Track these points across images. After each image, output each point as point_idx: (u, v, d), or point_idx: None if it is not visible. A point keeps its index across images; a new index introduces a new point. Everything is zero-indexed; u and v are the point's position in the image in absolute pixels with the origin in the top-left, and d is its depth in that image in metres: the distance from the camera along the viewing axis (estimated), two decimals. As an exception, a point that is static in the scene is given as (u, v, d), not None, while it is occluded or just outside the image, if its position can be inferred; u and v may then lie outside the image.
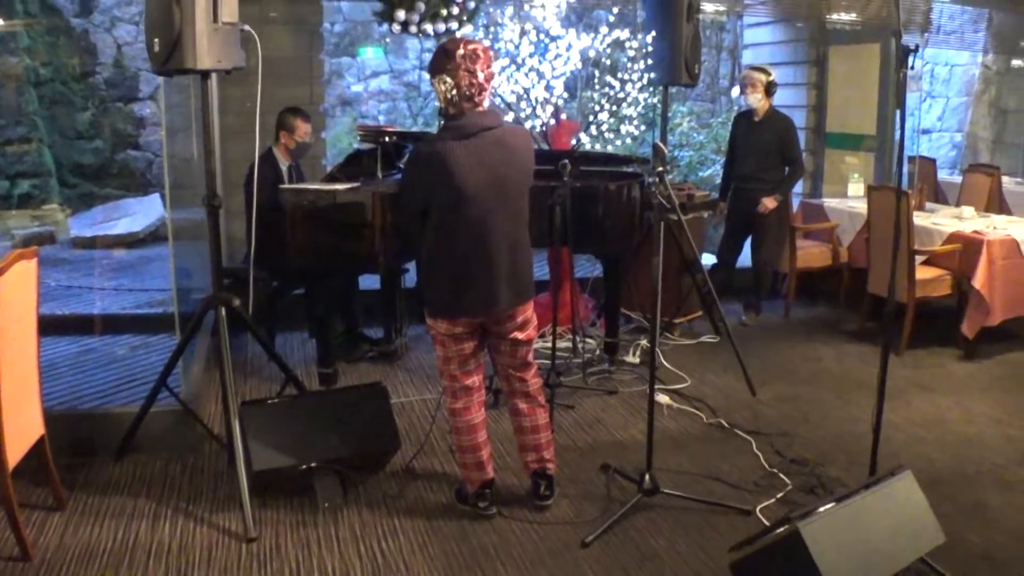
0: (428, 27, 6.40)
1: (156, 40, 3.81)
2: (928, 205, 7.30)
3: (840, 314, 7.03)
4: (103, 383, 5.45)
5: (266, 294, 5.81)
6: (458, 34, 6.47)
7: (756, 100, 6.61)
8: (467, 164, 3.42)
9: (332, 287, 5.36)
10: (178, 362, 4.42)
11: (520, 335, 3.69)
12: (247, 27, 4.05)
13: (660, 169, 3.64)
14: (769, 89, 6.60)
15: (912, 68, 3.67)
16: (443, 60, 3.49)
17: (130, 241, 10.15)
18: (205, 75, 3.97)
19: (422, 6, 6.32)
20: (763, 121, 6.66)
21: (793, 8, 8.17)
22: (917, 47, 3.67)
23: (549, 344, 5.20)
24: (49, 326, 6.93)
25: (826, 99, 8.85)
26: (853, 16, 8.21)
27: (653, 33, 6.06)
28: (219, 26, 3.80)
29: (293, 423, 3.95)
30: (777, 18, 8.60)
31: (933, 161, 9.08)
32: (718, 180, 10.27)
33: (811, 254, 7.12)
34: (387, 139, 5.09)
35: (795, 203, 7.71)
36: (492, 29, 6.09)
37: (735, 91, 8.04)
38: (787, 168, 6.69)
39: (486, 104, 3.59)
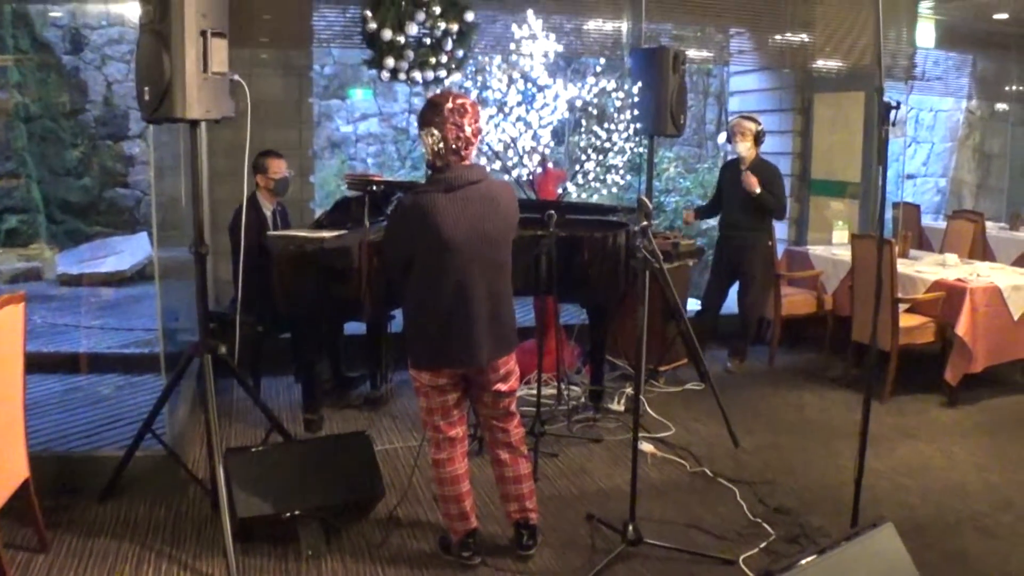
0: (416, 75, 6.48)
1: (146, 88, 3.86)
2: (912, 252, 7.38)
3: (825, 361, 7.07)
4: (88, 423, 5.45)
5: (252, 338, 5.84)
6: (446, 82, 6.54)
7: (745, 148, 6.69)
8: (451, 217, 3.46)
9: (318, 333, 5.37)
10: (163, 407, 4.43)
11: (503, 387, 3.71)
12: (236, 76, 4.11)
13: (645, 223, 3.69)
14: (758, 138, 6.70)
15: (894, 125, 3.74)
16: (431, 113, 3.54)
17: (117, 279, 10.16)
18: (194, 124, 4.00)
19: (411, 54, 6.40)
20: (750, 169, 6.73)
21: (778, 57, 8.28)
22: (899, 103, 3.74)
23: (534, 391, 5.20)
24: (35, 364, 6.97)
25: (811, 146, 8.94)
26: (838, 64, 8.33)
27: (639, 84, 6.12)
28: (209, 76, 3.85)
29: (277, 471, 3.95)
30: (763, 66, 8.70)
31: (917, 207, 9.21)
32: (704, 226, 10.39)
33: (796, 301, 7.17)
34: (374, 187, 5.12)
35: (780, 250, 7.78)
36: (480, 78, 6.14)
37: (721, 137, 8.12)
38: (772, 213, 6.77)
39: (472, 158, 3.64)
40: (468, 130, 3.53)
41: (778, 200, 6.75)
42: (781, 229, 9.03)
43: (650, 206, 4.05)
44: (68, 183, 11.59)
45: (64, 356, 6.95)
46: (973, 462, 5.14)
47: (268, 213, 5.98)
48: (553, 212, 4.88)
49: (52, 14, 11.03)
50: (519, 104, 6.02)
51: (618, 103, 6.12)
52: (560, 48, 6.23)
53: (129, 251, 10.93)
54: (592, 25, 7.56)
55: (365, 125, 12.75)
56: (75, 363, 6.82)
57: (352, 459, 4.09)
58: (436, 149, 3.53)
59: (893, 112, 3.65)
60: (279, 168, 5.90)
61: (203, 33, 3.82)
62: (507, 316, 3.69)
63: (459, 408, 3.75)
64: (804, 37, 8.09)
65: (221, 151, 6.67)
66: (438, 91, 6.37)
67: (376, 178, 5.27)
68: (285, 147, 6.84)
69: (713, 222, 7.30)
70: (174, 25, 3.75)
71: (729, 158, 7.22)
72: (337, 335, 6.06)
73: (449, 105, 3.52)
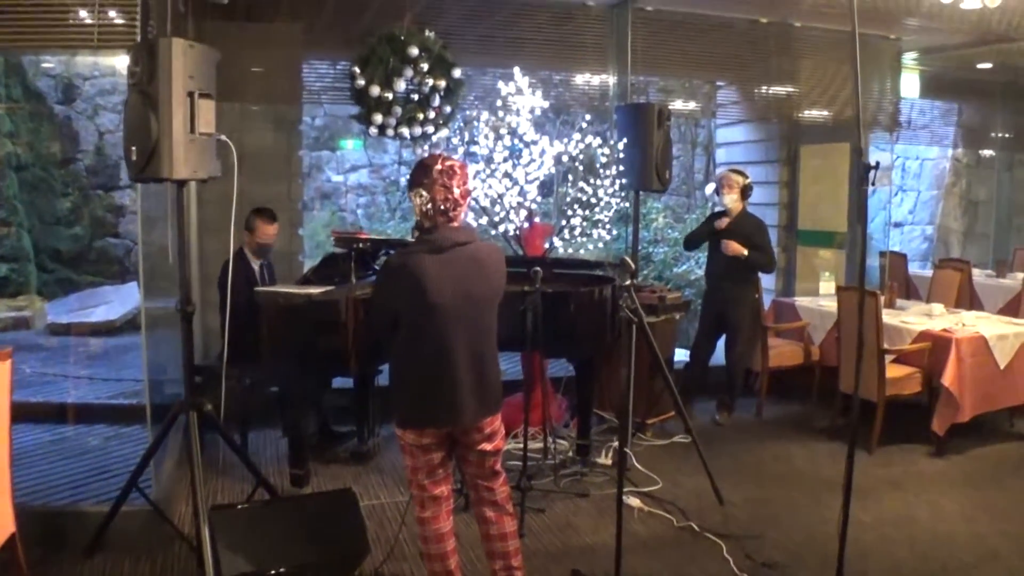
0: (404, 130, 6.53)
1: (134, 148, 3.90)
2: (899, 302, 7.41)
3: (812, 412, 7.07)
4: (76, 474, 5.47)
5: (240, 392, 5.84)
6: (434, 138, 6.60)
7: (731, 200, 6.77)
8: (437, 278, 3.48)
9: (305, 388, 5.38)
10: (149, 463, 4.42)
11: (488, 446, 3.70)
12: (223, 137, 4.15)
13: (628, 283, 3.72)
14: (745, 192, 6.77)
15: (872, 185, 3.79)
16: (420, 174, 3.58)
17: (106, 329, 10.15)
18: (181, 183, 4.04)
19: (399, 110, 6.46)
20: (735, 222, 6.79)
21: (764, 109, 8.38)
22: (878, 164, 3.79)
23: (521, 446, 5.20)
24: (23, 414, 6.97)
25: (798, 197, 9.02)
26: (823, 115, 8.44)
27: (624, 140, 6.18)
28: (196, 136, 3.89)
29: (263, 528, 3.93)
30: (748, 118, 8.80)
31: (904, 256, 9.28)
32: (692, 276, 10.45)
33: (783, 352, 7.19)
34: (359, 244, 5.16)
35: (767, 301, 7.82)
36: (467, 134, 6.21)
37: (709, 187, 8.19)
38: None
39: (461, 219, 3.66)
40: (456, 192, 3.55)
41: (765, 255, 6.81)
42: (768, 280, 9.08)
43: (633, 265, 4.09)
44: (59, 232, 11.63)
45: (52, 406, 6.97)
46: (960, 513, 5.14)
47: (256, 267, 6.01)
48: (538, 268, 4.92)
49: (44, 64, 11.12)
50: (505, 160, 6.07)
51: (604, 158, 6.17)
52: (546, 104, 6.29)
53: (119, 301, 10.94)
54: (579, 79, 7.65)
55: (355, 176, 12.84)
56: (63, 413, 6.82)
57: (338, 516, 4.08)
58: (425, 210, 3.57)
59: (872, 172, 3.70)
60: (267, 234, 5.95)
61: (190, 94, 3.87)
62: (492, 377, 3.69)
63: (444, 467, 3.75)
64: (789, 89, 8.18)
65: (212, 203, 6.72)
66: (427, 149, 6.50)
67: (362, 235, 5.32)
68: (274, 200, 6.90)
69: (700, 271, 7.33)
70: (162, 87, 3.81)
71: (716, 209, 7.28)
72: (324, 390, 6.05)
73: (438, 167, 3.55)
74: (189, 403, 4.23)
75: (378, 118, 6.48)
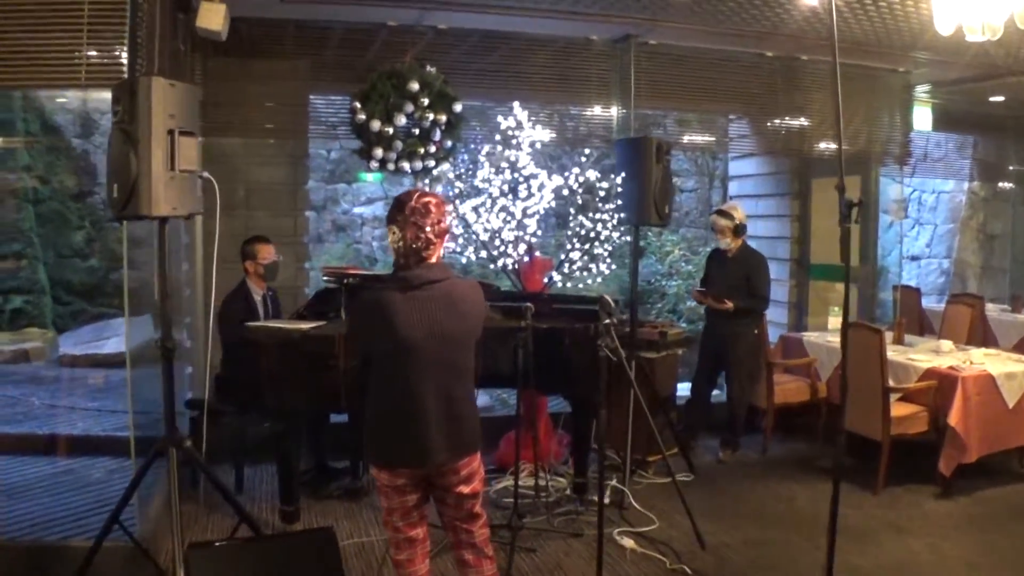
0: (405, 165, 6.52)
1: (115, 186, 3.90)
2: (908, 338, 7.28)
3: (818, 450, 6.93)
4: (78, 508, 5.51)
5: (235, 427, 5.82)
6: (435, 172, 6.59)
7: (725, 244, 6.78)
8: (407, 316, 3.43)
9: (297, 423, 5.34)
10: (132, 498, 4.38)
11: (465, 489, 3.61)
12: (206, 174, 4.14)
13: (607, 321, 3.65)
14: (737, 231, 6.69)
15: (857, 223, 3.72)
16: (395, 211, 3.53)
17: (118, 361, 10.16)
18: (162, 221, 4.03)
19: (399, 145, 6.45)
20: (735, 258, 6.75)
21: (773, 142, 8.30)
22: (861, 201, 3.73)
23: (518, 483, 5.13)
24: (25, 446, 7.00)
25: (809, 230, 8.93)
26: (833, 147, 8.34)
27: (623, 174, 6.14)
28: (176, 174, 3.88)
29: (240, 567, 3.87)
30: (759, 152, 8.73)
31: (917, 291, 9.10)
32: (702, 310, 10.35)
33: (789, 389, 7.07)
34: (348, 280, 5.14)
35: (775, 336, 7.72)
36: (467, 170, 6.20)
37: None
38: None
39: (438, 257, 3.59)
40: (429, 230, 3.49)
41: (755, 300, 6.74)
42: (779, 314, 8.99)
43: (612, 304, 4.02)
44: (74, 264, 11.70)
45: (57, 438, 7.00)
46: (963, 559, 5.00)
47: (258, 299, 5.99)
48: (530, 304, 4.88)
49: (61, 99, 11.22)
50: (504, 195, 6.05)
51: (602, 192, 6.12)
52: (546, 139, 6.29)
53: (134, 334, 10.95)
54: (587, 113, 7.62)
55: (371, 208, 12.85)
56: (68, 445, 6.84)
57: (316, 556, 4.01)
58: (398, 247, 3.52)
59: (855, 209, 3.63)
60: (268, 253, 5.94)
61: (171, 132, 3.86)
62: (467, 418, 3.59)
63: (419, 509, 3.67)
64: (798, 123, 8.11)
65: (224, 237, 6.73)
66: (427, 183, 6.49)
67: (352, 271, 5.28)
68: (280, 234, 6.93)
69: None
70: (141, 125, 3.80)
71: (714, 247, 7.20)
72: (320, 425, 6.02)
73: (412, 204, 3.50)
74: (169, 440, 4.18)
75: (379, 152, 6.47)
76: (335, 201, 12.85)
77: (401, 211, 3.51)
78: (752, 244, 9.25)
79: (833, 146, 8.33)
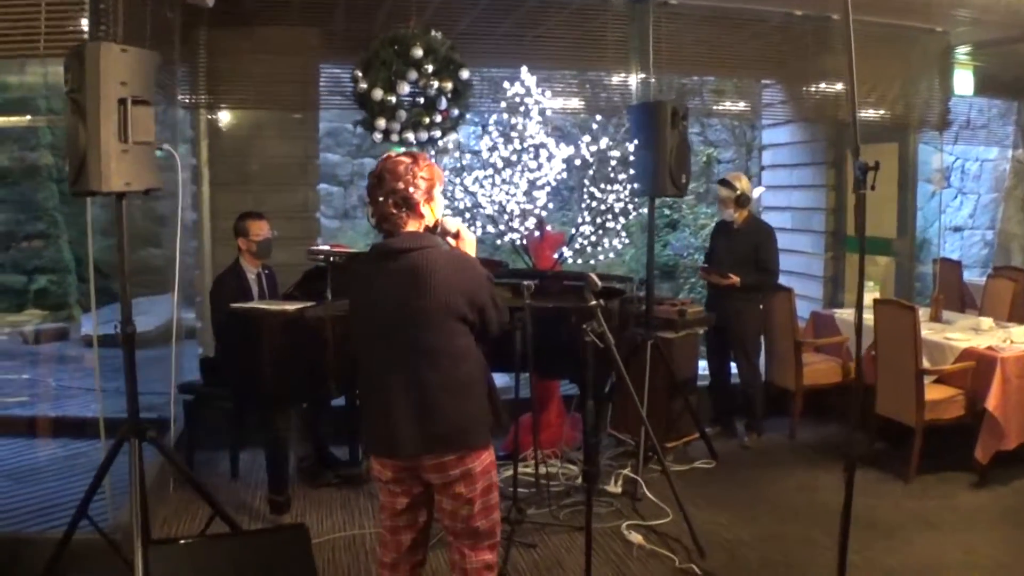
0: (410, 135, 6.20)
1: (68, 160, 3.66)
2: (946, 315, 6.81)
3: (849, 435, 6.52)
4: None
5: (232, 413, 5.61)
6: (440, 143, 6.28)
7: (729, 216, 6.44)
8: (375, 291, 3.13)
9: (283, 409, 5.09)
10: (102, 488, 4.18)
11: (462, 489, 3.16)
12: (167, 146, 3.89)
13: (593, 303, 3.32)
14: (740, 201, 6.33)
15: (873, 188, 3.37)
16: (370, 177, 3.18)
17: (141, 340, 10.04)
18: (119, 196, 3.77)
19: (403, 115, 6.13)
20: (740, 230, 6.42)
21: (807, 109, 7.86)
22: (877, 164, 3.37)
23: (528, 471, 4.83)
24: (45, 428, 6.88)
25: (845, 201, 8.49)
26: (872, 114, 7.89)
27: (636, 142, 5.78)
28: (129, 146, 3.60)
29: (204, 566, 3.63)
30: (793, 119, 8.30)
31: (958, 264, 8.56)
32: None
33: (820, 370, 6.65)
34: (334, 259, 4.85)
35: (804, 312, 7.32)
36: (474, 140, 5.90)
37: (758, 191, 7.75)
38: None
39: (421, 224, 3.20)
40: (383, 201, 3.12)
41: (767, 268, 6.41)
42: (814, 288, 8.59)
43: (599, 283, 3.68)
44: (99, 243, 11.58)
45: (73, 420, 6.89)
46: (995, 558, 4.58)
47: (252, 278, 5.74)
48: (530, 283, 4.55)
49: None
50: (510, 165, 5.74)
51: (613, 162, 5.77)
52: (558, 105, 5.97)
53: (156, 312, 10.83)
54: (605, 80, 7.25)
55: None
56: (82, 427, 6.70)
57: (286, 555, 3.75)
58: (376, 220, 3.17)
59: (871, 173, 3.28)
60: (261, 230, 5.68)
61: (122, 101, 3.58)
62: (446, 409, 3.13)
63: (409, 515, 3.28)
64: (832, 87, 7.66)
65: (222, 214, 6.54)
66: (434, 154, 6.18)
67: (338, 248, 4.97)
68: (291, 210, 6.73)
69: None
70: (89, 94, 3.53)
71: (719, 219, 6.81)
72: (320, 410, 5.76)
73: (383, 165, 3.14)
74: (131, 429, 3.96)
75: (381, 123, 6.16)
76: (362, 176, 12.60)
77: (373, 174, 3.16)
78: (786, 216, 8.89)
79: (871, 112, 7.89)
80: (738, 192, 6.32)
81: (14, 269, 11.20)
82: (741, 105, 8.21)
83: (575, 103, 7.22)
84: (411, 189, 3.14)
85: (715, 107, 8.25)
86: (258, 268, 5.78)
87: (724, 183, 6.43)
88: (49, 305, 11.10)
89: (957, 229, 11.02)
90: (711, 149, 13.81)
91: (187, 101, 6.65)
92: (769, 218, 8.26)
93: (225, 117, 6.87)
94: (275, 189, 6.89)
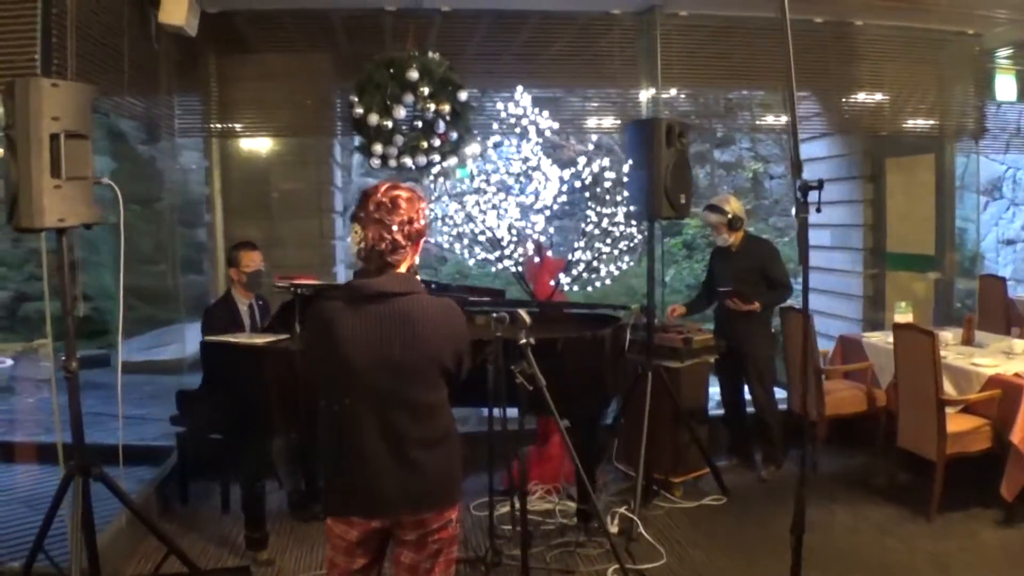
0: (408, 160, 6.04)
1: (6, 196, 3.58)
2: (979, 337, 6.36)
3: (873, 466, 6.13)
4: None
5: (220, 445, 5.50)
6: (439, 166, 6.11)
7: (724, 241, 6.15)
8: (351, 333, 2.85)
9: (261, 443, 4.97)
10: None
11: (432, 544, 2.95)
12: (106, 180, 3.77)
13: (523, 341, 3.08)
14: (733, 224, 6.04)
15: (819, 211, 3.09)
16: (358, 207, 2.93)
17: (175, 367, 10.06)
18: (59, 232, 3.66)
19: (400, 139, 5.98)
20: (739, 251, 6.13)
21: (841, 121, 7.50)
22: (821, 183, 3.09)
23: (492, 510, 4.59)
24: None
25: (885, 216, 8.11)
26: (908, 125, 7.52)
27: (631, 161, 5.52)
28: (62, 181, 3.49)
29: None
30: (829, 131, 7.95)
31: (1002, 279, 8.08)
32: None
33: (844, 398, 6.25)
34: (299, 291, 4.67)
35: (836, 333, 6.96)
36: (474, 162, 5.74)
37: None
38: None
39: (407, 266, 2.97)
40: (396, 230, 2.87)
41: (779, 284, 6.11)
42: (853, 309, 8.22)
43: (528, 320, 3.43)
44: (142, 270, 11.66)
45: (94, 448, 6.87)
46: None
47: (244, 309, 5.65)
48: (506, 315, 4.30)
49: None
50: (505, 189, 5.57)
51: (607, 184, 5.53)
52: (555, 125, 5.77)
53: (192, 339, 10.85)
54: (610, 95, 7.03)
55: (439, 205, 12.46)
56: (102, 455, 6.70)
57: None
58: (357, 250, 2.91)
59: (816, 192, 3.00)
60: (252, 261, 5.57)
61: (54, 136, 3.47)
62: (429, 466, 2.91)
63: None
64: (867, 97, 7.31)
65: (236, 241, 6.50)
66: (431, 181, 6.02)
67: (304, 280, 4.77)
68: (305, 237, 6.77)
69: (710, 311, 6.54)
70: (19, 129, 3.44)
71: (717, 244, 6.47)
72: (309, 445, 5.60)
73: (377, 198, 2.89)
74: (78, 467, 3.93)
75: (378, 148, 6.02)
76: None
77: (365, 207, 2.90)
78: (824, 233, 8.53)
79: (910, 123, 7.51)
80: (729, 216, 6.02)
81: (54, 295, 11.32)
82: (770, 119, 7.87)
83: (608, 123, 7.05)
84: (421, 222, 2.96)
85: (738, 120, 7.99)
86: (250, 299, 5.67)
87: (712, 208, 6.13)
88: (90, 332, 11.18)
89: (1010, 242, 10.44)
90: (758, 165, 13.46)
91: (198, 130, 6.61)
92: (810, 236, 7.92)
93: (237, 145, 6.84)
94: (289, 216, 6.82)
